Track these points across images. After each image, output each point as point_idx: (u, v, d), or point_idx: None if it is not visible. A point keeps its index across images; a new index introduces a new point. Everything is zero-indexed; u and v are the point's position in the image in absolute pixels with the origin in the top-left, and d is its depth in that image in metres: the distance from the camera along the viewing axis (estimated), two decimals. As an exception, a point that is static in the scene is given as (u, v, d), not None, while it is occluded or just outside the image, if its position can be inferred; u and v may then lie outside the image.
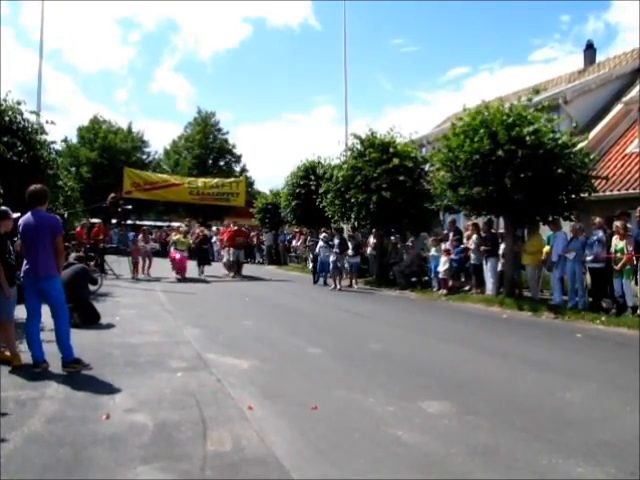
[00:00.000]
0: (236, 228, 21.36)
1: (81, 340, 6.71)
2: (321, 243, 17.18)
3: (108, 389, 5.26)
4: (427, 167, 17.02)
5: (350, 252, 16.58)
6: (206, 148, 44.63)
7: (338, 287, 15.82)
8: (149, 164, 42.48)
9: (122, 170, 21.09)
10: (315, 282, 17.62)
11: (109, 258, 16.69)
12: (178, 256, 17.11)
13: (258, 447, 3.96)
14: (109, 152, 39.58)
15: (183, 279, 16.67)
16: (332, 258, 16.10)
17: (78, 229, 18.18)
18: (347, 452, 3.93)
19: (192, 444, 3.95)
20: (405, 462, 3.76)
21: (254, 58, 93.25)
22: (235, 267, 20.27)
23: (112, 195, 17.65)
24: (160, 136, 56.11)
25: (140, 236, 18.67)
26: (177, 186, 20.99)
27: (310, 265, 20.24)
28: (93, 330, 8.21)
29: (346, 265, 16.99)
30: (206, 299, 12.79)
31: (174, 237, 18.36)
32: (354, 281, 16.83)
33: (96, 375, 5.73)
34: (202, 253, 19.56)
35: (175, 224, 34.65)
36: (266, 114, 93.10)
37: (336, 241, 16.42)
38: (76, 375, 5.73)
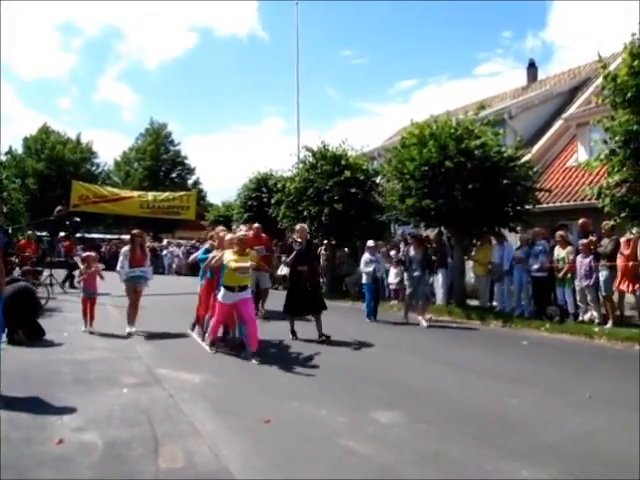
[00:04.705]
0: (251, 233, 11.27)
1: (28, 357, 6.53)
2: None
3: (55, 408, 5.09)
4: (378, 179, 17.29)
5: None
6: (158, 160, 44.10)
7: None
8: (98, 175, 41.54)
9: (70, 182, 20.60)
10: None
11: (56, 272, 16.20)
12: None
13: (211, 462, 3.93)
14: (57, 163, 38.49)
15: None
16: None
17: (23, 242, 17.58)
18: (300, 464, 3.95)
19: (143, 462, 3.90)
20: (357, 472, 3.81)
21: (201, 68, 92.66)
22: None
23: (59, 208, 17.20)
24: (105, 147, 55.00)
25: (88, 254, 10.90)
26: (127, 199, 20.62)
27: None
28: (40, 347, 7.97)
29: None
30: (158, 313, 12.58)
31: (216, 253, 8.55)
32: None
33: (43, 394, 5.54)
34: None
35: (126, 237, 33.93)
36: (215, 125, 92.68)
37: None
38: (21, 393, 5.56)
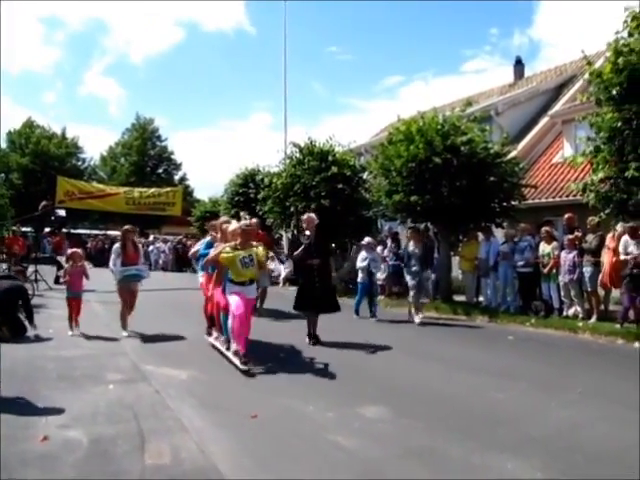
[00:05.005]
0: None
1: (13, 354, 6.47)
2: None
3: (40, 405, 5.08)
4: (365, 175, 17.31)
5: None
6: (144, 155, 43.80)
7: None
8: (84, 171, 41.17)
9: (55, 177, 20.42)
10: None
11: (42, 268, 16.07)
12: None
13: (198, 458, 3.94)
14: (42, 158, 38.08)
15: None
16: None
17: (10, 238, 17.38)
18: (287, 460, 3.97)
19: (129, 458, 3.89)
20: (344, 467, 3.84)
21: (188, 63, 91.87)
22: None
23: (44, 203, 17.05)
24: (91, 142, 54.52)
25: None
26: (113, 196, 20.50)
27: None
28: (26, 344, 7.89)
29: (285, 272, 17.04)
30: (145, 310, 12.52)
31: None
32: (287, 285, 16.87)
33: (28, 391, 5.51)
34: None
35: (112, 232, 33.69)
36: (202, 120, 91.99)
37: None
38: (5, 391, 5.52)
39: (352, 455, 4.05)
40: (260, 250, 7.20)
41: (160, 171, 45.07)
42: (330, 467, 3.85)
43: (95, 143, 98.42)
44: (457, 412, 5.10)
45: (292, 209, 16.74)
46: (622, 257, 9.63)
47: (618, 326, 9.45)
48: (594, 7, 64.40)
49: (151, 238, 31.63)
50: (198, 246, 8.77)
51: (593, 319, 10.22)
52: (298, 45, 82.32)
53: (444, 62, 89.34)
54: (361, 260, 11.84)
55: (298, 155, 17.62)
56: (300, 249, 8.42)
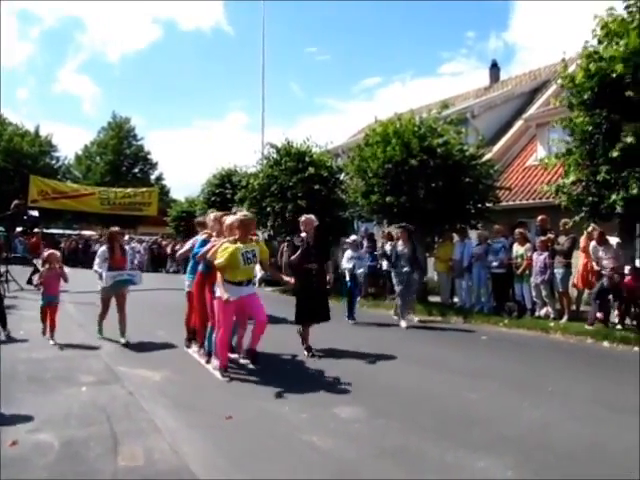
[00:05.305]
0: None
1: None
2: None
3: (10, 408, 4.97)
4: (342, 176, 17.36)
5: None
6: (120, 154, 43.32)
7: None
8: (58, 170, 40.52)
9: (28, 176, 20.10)
10: None
11: (13, 269, 15.78)
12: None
13: (171, 459, 3.92)
14: (14, 156, 37.36)
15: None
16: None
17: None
18: (262, 460, 3.97)
19: (101, 460, 3.85)
20: (319, 467, 3.85)
21: (164, 62, 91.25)
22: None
23: (16, 202, 16.73)
24: (66, 140, 53.75)
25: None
26: (88, 196, 20.29)
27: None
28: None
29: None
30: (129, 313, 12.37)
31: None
32: (263, 286, 16.83)
33: (-3, 393, 5.44)
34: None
35: (87, 232, 33.23)
36: (179, 119, 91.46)
37: None
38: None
39: (327, 455, 4.06)
40: (264, 246, 6.59)
41: (136, 171, 44.64)
42: (305, 467, 3.85)
43: (70, 142, 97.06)
44: (431, 412, 5.14)
45: (269, 210, 16.72)
46: (595, 267, 9.89)
47: (588, 326, 9.63)
48: (568, 12, 65.51)
49: (126, 238, 31.28)
50: (189, 245, 7.73)
51: (564, 319, 10.41)
52: (276, 45, 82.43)
53: (422, 64, 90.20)
54: (347, 260, 11.46)
55: (275, 156, 17.61)
56: (297, 253, 7.69)
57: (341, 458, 4.02)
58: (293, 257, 7.71)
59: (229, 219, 6.61)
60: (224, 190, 22.15)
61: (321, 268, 7.83)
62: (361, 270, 11.64)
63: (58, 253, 9.25)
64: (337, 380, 6.31)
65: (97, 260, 8.44)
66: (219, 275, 6.24)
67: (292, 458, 4.01)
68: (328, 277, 8.07)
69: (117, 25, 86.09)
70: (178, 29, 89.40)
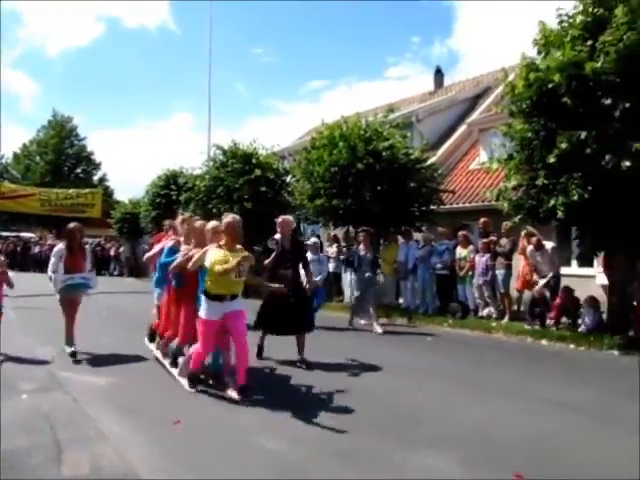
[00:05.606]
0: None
1: None
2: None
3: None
4: (288, 179, 17.38)
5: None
6: (61, 154, 41.87)
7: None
8: (-6, 169, 38.97)
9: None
10: None
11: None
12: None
13: (118, 466, 3.84)
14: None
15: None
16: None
17: None
18: (210, 462, 3.94)
19: (44, 470, 3.73)
20: (268, 468, 3.85)
21: (108, 59, 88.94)
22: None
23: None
24: (3, 139, 51.49)
25: None
26: (27, 197, 19.58)
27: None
28: None
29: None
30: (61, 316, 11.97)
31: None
32: None
33: None
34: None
35: (26, 234, 32.00)
36: (123, 119, 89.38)
37: None
38: None
39: (276, 456, 4.07)
40: (249, 255, 5.54)
41: (78, 171, 43.17)
42: (254, 468, 3.85)
43: (7, 141, 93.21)
44: (379, 412, 5.22)
45: (215, 212, 16.54)
46: (535, 276, 10.32)
47: (527, 326, 10.00)
48: (510, 20, 67.65)
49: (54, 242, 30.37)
50: (157, 249, 7.13)
51: (506, 319, 10.77)
52: (223, 46, 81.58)
53: (368, 67, 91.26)
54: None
55: (221, 157, 17.46)
56: (271, 257, 7.12)
57: (290, 459, 4.04)
58: (267, 261, 7.16)
59: (211, 223, 6.06)
60: (169, 192, 21.78)
61: (297, 273, 7.30)
62: (320, 277, 10.30)
63: (2, 257, 8.29)
64: (285, 383, 6.33)
65: (52, 260, 7.48)
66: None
67: (241, 460, 3.99)
68: (307, 284, 7.42)
69: (58, 20, 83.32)
70: (122, 26, 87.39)
